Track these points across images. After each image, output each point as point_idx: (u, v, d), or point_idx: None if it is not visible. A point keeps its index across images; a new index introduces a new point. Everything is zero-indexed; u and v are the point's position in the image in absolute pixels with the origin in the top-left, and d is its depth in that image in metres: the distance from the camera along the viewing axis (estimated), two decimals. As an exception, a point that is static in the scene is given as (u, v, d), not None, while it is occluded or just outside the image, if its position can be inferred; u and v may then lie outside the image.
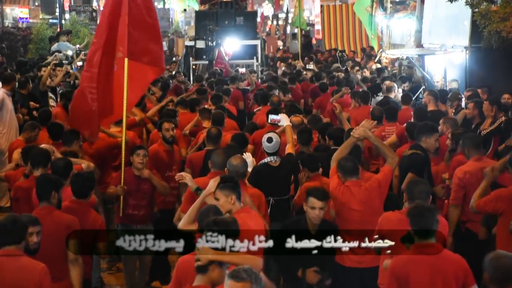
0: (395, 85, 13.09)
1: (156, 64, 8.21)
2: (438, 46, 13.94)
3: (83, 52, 15.64)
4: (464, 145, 7.47)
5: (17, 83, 11.53)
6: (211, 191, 5.89)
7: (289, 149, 7.72)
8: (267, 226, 6.33)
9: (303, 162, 7.50)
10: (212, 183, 5.91)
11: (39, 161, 7.15)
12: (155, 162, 8.46)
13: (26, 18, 45.29)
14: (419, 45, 16.08)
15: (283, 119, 8.12)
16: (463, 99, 11.15)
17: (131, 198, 7.74)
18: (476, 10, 11.10)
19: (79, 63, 14.99)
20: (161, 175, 8.17)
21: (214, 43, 17.97)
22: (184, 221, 5.90)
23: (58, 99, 12.52)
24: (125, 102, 7.83)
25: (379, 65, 18.25)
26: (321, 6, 29.57)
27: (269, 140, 7.53)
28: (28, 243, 5.29)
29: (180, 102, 11.08)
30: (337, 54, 24.04)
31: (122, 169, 7.72)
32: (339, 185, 6.55)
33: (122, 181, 7.68)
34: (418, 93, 13.29)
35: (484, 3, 10.95)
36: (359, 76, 16.31)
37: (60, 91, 12.77)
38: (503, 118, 9.02)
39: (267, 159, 7.54)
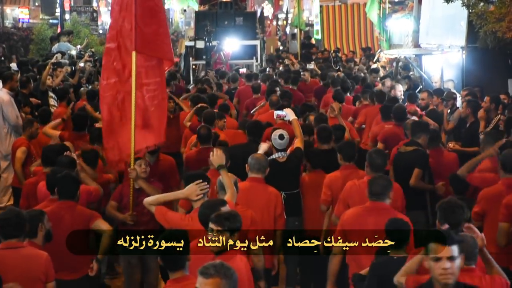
0: (399, 85, 13.18)
1: (166, 56, 7.46)
2: (435, 46, 14.03)
3: (87, 54, 15.72)
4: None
5: (18, 83, 11.59)
6: (185, 194, 5.89)
7: (297, 143, 7.71)
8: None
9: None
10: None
11: (49, 158, 7.33)
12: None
13: (27, 19, 45.34)
14: (416, 45, 16.19)
15: (289, 114, 8.08)
16: (459, 98, 11.30)
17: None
18: (472, 10, 11.21)
19: (81, 64, 15.09)
20: None
21: (213, 43, 18.08)
22: (151, 199, 5.98)
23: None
24: (133, 101, 7.11)
25: (374, 65, 18.36)
26: (320, 6, 29.66)
27: (281, 137, 7.62)
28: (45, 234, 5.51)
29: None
30: (330, 54, 24.15)
31: (131, 194, 7.15)
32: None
33: (131, 206, 7.14)
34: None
35: (481, 4, 11.07)
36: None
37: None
38: (500, 117, 9.12)
39: (275, 155, 7.63)
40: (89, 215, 6.33)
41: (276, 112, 8.48)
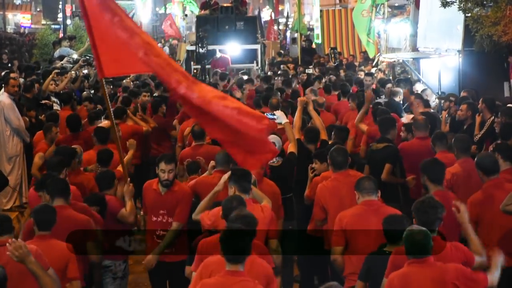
0: (400, 90, 13.31)
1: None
2: (433, 50, 14.18)
3: (81, 59, 15.86)
4: (454, 146, 7.76)
5: (16, 88, 11.57)
6: (220, 187, 6.24)
7: (291, 147, 7.70)
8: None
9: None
10: (222, 180, 6.27)
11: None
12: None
13: (29, 24, 45.55)
14: (414, 48, 16.34)
15: (280, 117, 8.00)
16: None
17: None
18: (469, 15, 11.38)
19: (85, 71, 15.27)
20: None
21: (205, 49, 18.20)
22: (196, 212, 6.33)
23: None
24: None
25: (372, 69, 18.51)
26: (321, 11, 29.80)
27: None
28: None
29: None
30: (329, 51, 24.31)
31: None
32: (324, 180, 6.99)
33: (126, 176, 6.87)
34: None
35: (477, 8, 11.23)
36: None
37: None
38: (494, 118, 9.26)
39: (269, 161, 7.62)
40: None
41: (267, 116, 8.16)
